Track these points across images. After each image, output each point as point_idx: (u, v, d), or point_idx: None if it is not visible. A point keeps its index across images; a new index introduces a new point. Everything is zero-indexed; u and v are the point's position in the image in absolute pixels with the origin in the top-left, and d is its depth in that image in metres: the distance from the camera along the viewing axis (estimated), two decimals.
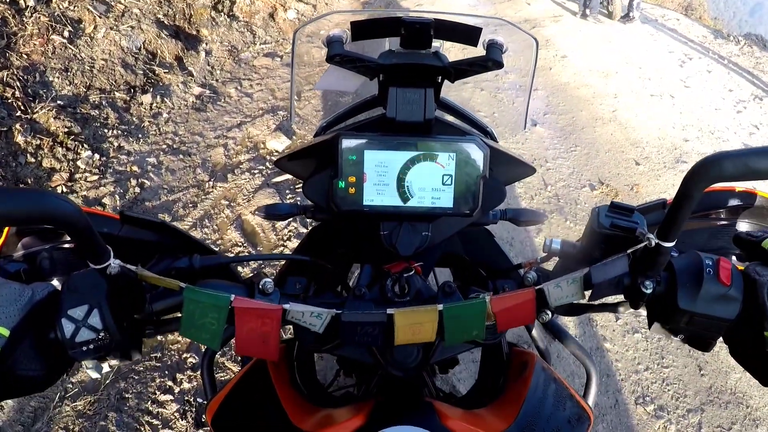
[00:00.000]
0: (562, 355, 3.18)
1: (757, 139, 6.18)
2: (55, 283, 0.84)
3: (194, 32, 6.66)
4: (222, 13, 7.24)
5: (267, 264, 3.46)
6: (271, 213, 1.30)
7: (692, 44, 9.68)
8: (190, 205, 4.11)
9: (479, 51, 1.16)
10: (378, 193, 1.09)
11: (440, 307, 0.87)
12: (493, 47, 1.13)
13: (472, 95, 6.55)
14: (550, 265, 1.09)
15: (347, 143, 1.07)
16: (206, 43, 6.67)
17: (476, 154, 1.08)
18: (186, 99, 5.56)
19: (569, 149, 5.48)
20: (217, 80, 6.17)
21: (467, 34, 1.13)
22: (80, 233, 0.68)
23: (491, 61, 1.12)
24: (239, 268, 3.44)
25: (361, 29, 1.13)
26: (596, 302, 0.92)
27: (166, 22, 6.22)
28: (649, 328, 0.91)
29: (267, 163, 4.66)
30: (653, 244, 0.80)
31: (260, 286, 0.89)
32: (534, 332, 1.32)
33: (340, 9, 9.93)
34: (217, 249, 3.57)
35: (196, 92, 5.70)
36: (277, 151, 4.72)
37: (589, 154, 5.42)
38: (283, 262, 1.43)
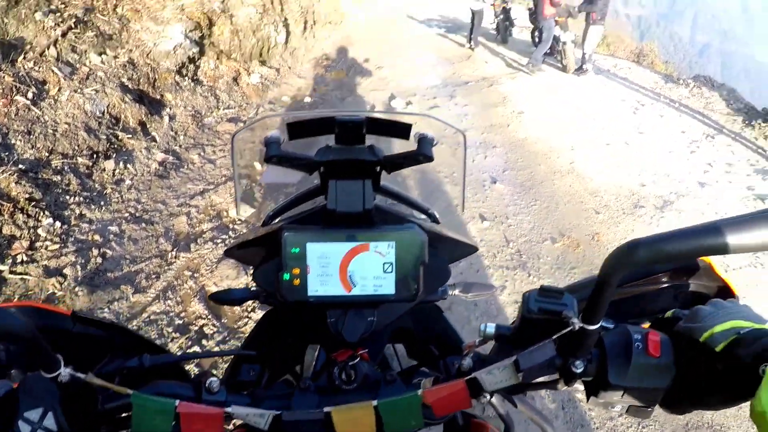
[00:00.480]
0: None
1: (711, 176, 6.35)
2: (14, 373, 0.87)
3: (158, 96, 6.68)
4: (186, 78, 7.28)
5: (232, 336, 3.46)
6: (224, 299, 1.32)
7: (644, 91, 9.99)
8: (153, 276, 4.06)
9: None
10: (322, 284, 1.13)
11: (375, 402, 0.89)
12: (424, 141, 1.19)
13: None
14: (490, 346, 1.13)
15: (290, 237, 1.11)
16: (170, 108, 6.69)
17: (415, 242, 1.13)
18: (149, 165, 5.54)
19: (529, 204, 5.55)
20: (180, 146, 6.17)
21: (398, 129, 1.19)
22: (30, 347, 0.71)
23: (422, 155, 1.17)
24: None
25: (297, 129, 1.18)
26: (533, 381, 0.94)
27: (130, 86, 6.24)
28: (587, 401, 0.92)
29: (230, 232, 4.64)
30: (577, 327, 0.82)
31: (207, 386, 0.91)
32: (493, 398, 1.35)
33: (298, 82, 10.06)
34: (180, 322, 3.57)
35: (159, 158, 5.68)
36: (240, 220, 4.72)
37: (549, 208, 5.51)
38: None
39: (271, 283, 1.18)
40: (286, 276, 1.12)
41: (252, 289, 1.33)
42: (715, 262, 1.05)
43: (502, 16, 14.33)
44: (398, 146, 1.20)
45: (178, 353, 3.25)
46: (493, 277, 4.31)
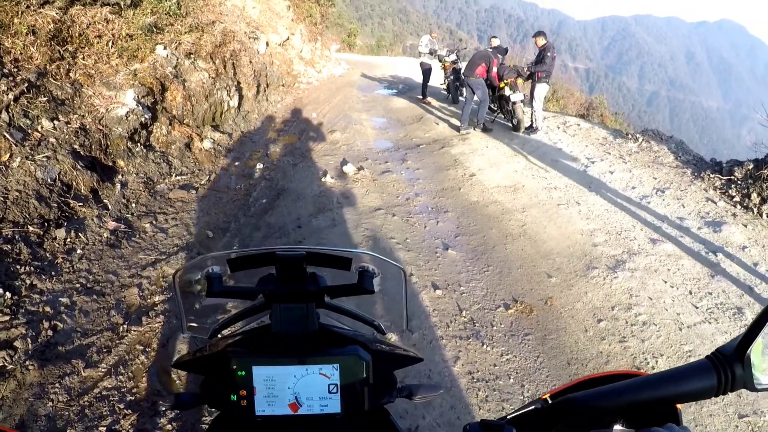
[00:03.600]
0: None
1: (664, 231, 6.49)
2: None
3: (110, 163, 6.64)
4: (138, 144, 7.26)
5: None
6: (177, 404, 1.30)
7: (593, 147, 10.24)
8: (105, 350, 3.97)
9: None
10: (269, 404, 1.17)
11: None
12: (365, 275, 1.26)
13: (384, 221, 6.71)
14: None
15: (236, 361, 1.16)
16: (122, 175, 6.65)
17: (358, 363, 1.18)
18: (101, 234, 5.47)
19: (482, 270, 5.59)
20: (132, 214, 6.12)
21: (339, 261, 1.26)
22: None
23: (362, 289, 1.25)
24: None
25: (238, 263, 1.26)
26: None
27: (82, 152, 6.19)
28: None
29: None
30: None
31: None
32: None
33: (250, 147, 10.08)
34: (132, 398, 3.51)
35: (111, 227, 5.62)
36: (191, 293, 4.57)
37: (501, 273, 5.54)
38: None
39: (218, 398, 1.21)
40: (234, 397, 1.16)
41: (200, 394, 1.33)
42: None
43: (452, 77, 14.68)
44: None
45: None
46: (446, 348, 4.32)
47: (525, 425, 1.04)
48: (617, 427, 1.01)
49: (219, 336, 1.44)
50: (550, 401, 1.06)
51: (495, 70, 11.44)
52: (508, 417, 1.09)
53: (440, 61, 14.88)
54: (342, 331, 1.33)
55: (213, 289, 1.24)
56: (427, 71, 14.81)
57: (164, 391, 3.68)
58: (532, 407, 1.13)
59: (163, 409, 3.50)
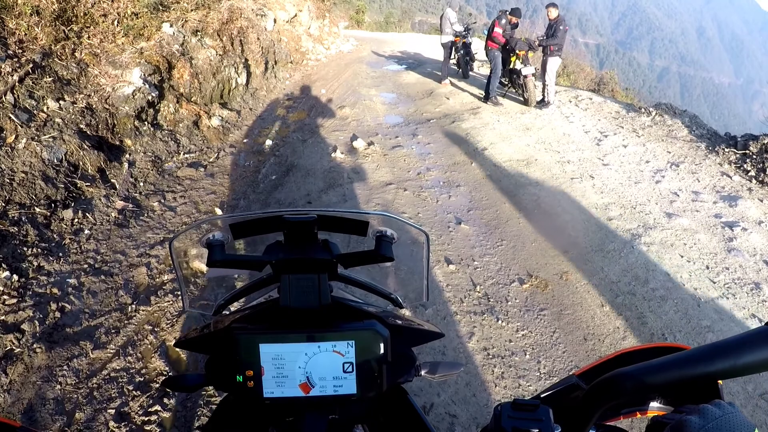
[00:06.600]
0: None
1: (678, 206, 6.38)
2: None
3: (117, 142, 6.58)
4: (146, 122, 7.19)
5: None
6: (176, 385, 1.22)
7: (606, 121, 10.12)
8: (113, 331, 3.92)
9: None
10: (278, 385, 1.07)
11: None
12: (383, 241, 1.15)
13: (396, 196, 6.62)
14: None
15: (242, 338, 1.05)
16: (129, 154, 6.59)
17: (376, 340, 1.08)
18: (108, 214, 5.41)
19: (495, 244, 5.50)
20: (140, 193, 6.06)
21: (354, 226, 1.16)
22: None
23: (381, 255, 1.14)
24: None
25: (242, 229, 1.15)
26: None
27: (88, 132, 6.13)
28: None
29: (190, 285, 4.50)
30: None
31: None
32: None
33: (259, 124, 9.98)
34: (141, 379, 3.46)
35: (119, 206, 5.57)
36: (201, 272, 4.54)
37: (515, 247, 5.45)
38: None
39: (224, 379, 1.12)
40: (239, 378, 1.06)
41: (205, 375, 1.23)
42: None
43: (462, 51, 14.46)
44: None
45: None
46: (461, 323, 4.25)
47: (560, 404, 0.96)
48: (653, 404, 0.93)
49: (224, 312, 1.36)
50: (578, 379, 1.00)
51: (497, 30, 11.41)
52: (541, 396, 1.02)
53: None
54: (357, 305, 1.24)
55: (214, 258, 1.13)
56: (450, 49, 14.28)
57: (173, 371, 3.63)
58: (566, 385, 1.06)
59: (172, 391, 3.44)
